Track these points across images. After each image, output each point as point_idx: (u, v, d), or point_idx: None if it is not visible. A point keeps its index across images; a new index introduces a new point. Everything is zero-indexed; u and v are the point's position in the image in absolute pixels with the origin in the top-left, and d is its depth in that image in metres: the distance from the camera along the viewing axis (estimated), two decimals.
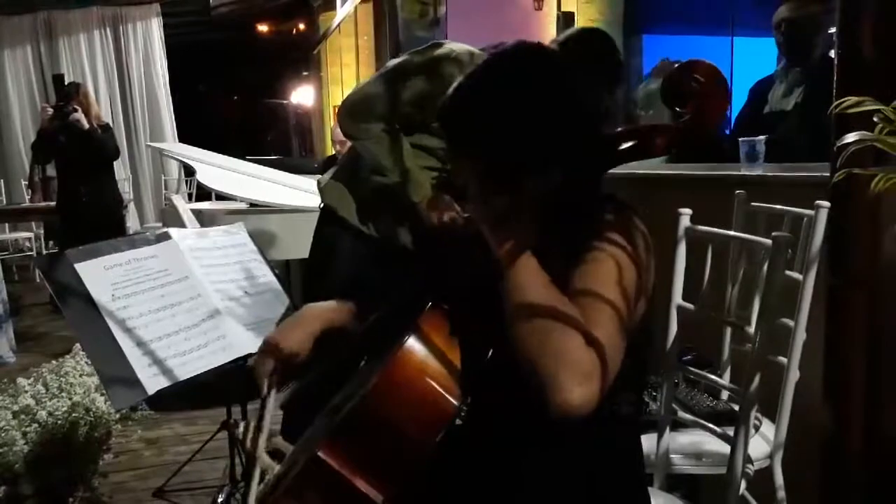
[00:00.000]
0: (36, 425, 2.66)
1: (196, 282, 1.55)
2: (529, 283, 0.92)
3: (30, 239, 8.07)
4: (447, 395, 1.04)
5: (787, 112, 2.93)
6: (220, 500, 2.13)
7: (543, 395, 0.84)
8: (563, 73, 1.04)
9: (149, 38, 9.24)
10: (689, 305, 1.69)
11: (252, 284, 1.66)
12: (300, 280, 4.78)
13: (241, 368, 1.55)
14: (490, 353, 1.09)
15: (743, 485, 1.54)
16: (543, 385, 0.84)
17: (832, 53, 1.52)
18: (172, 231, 1.61)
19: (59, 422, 2.72)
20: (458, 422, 1.06)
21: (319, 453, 1.02)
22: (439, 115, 1.07)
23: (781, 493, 1.67)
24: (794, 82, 2.97)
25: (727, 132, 3.56)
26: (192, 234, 1.66)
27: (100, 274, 1.44)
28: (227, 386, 2.12)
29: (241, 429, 1.21)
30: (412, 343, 1.05)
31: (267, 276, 1.73)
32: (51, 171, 6.39)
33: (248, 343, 1.55)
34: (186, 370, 1.43)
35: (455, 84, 1.05)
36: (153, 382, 1.37)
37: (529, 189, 1.01)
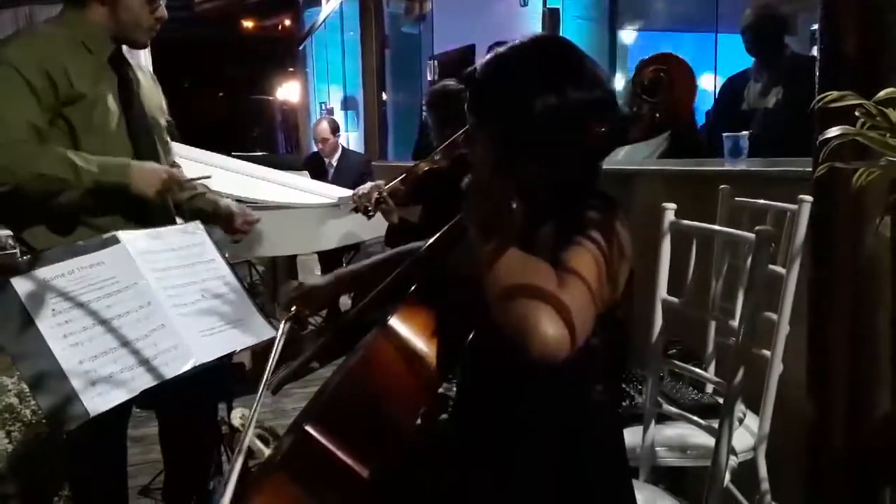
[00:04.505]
0: (20, 424, 2.64)
1: (146, 288, 1.43)
2: (506, 251, 0.96)
3: (12, 236, 7.99)
4: (424, 376, 1.08)
5: (769, 109, 2.98)
6: (210, 486, 2.13)
7: (520, 341, 0.87)
8: (584, 64, 1.09)
9: None
10: (674, 299, 1.70)
11: (210, 287, 1.52)
12: (286, 277, 4.77)
13: (228, 367, 1.52)
14: (470, 338, 1.11)
15: (727, 476, 1.55)
16: (520, 330, 0.87)
17: (815, 51, 1.53)
18: (121, 234, 1.48)
19: (44, 420, 2.69)
20: (443, 415, 1.09)
21: (307, 428, 1.06)
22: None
23: (765, 485, 1.68)
24: (771, 81, 3.03)
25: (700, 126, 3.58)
26: (144, 236, 1.52)
27: (39, 288, 1.31)
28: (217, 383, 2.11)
29: (233, 419, 1.22)
30: (392, 323, 1.10)
31: (227, 278, 1.58)
32: None
33: (205, 351, 1.42)
34: (134, 386, 1.30)
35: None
36: (97, 403, 1.24)
37: (535, 174, 1.05)
